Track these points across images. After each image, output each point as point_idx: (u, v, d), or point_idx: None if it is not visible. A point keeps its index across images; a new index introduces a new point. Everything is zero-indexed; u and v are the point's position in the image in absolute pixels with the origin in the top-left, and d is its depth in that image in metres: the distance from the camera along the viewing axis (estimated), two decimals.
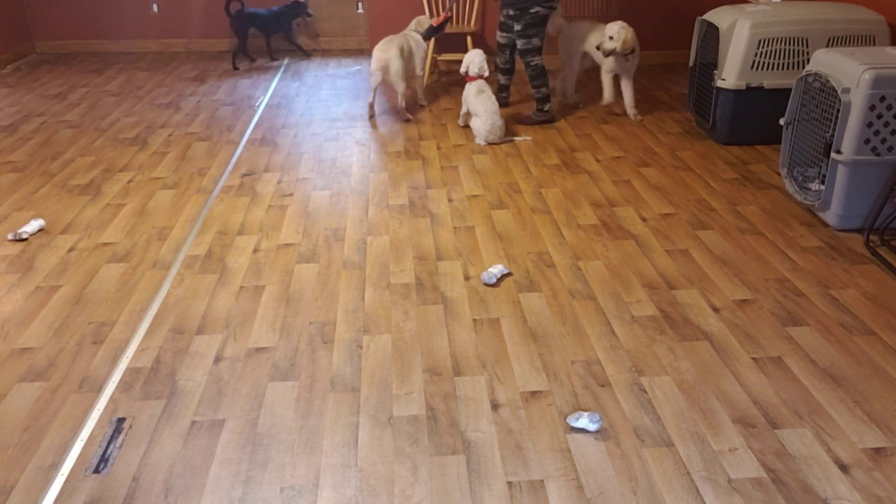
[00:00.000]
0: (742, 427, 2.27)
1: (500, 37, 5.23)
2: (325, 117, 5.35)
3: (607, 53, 4.89)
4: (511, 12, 4.88)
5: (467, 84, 4.83)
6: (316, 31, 7.54)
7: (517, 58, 5.81)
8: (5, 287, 3.10)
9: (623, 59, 4.98)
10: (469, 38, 5.98)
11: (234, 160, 4.51)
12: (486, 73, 4.80)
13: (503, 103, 5.46)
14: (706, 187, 4.04)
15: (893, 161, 3.34)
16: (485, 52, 6.09)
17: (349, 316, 2.88)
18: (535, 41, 4.89)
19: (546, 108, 5.07)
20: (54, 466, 2.14)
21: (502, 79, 5.44)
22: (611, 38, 4.84)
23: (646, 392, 2.43)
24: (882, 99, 3.24)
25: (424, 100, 5.63)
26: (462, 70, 4.86)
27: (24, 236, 3.50)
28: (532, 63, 4.94)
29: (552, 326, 2.80)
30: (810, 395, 2.40)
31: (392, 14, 6.52)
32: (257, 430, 2.28)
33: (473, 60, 4.81)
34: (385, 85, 5.31)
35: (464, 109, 4.92)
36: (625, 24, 4.82)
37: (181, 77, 6.52)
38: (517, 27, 4.87)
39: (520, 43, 4.92)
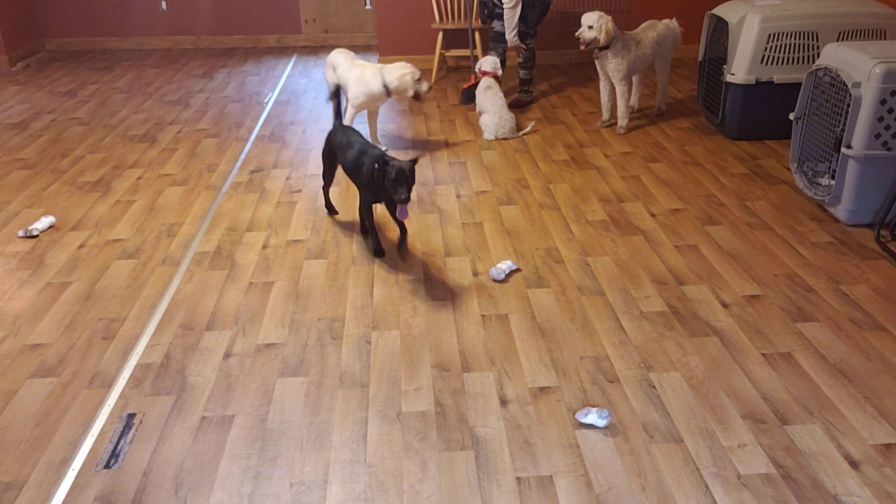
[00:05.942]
0: (751, 423, 2.26)
1: (499, 24, 5.23)
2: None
3: (586, 45, 4.50)
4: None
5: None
6: (324, 27, 7.54)
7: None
8: (16, 283, 3.12)
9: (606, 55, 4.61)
10: (476, 34, 5.97)
11: (242, 157, 4.52)
12: (500, 73, 4.93)
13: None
14: (715, 182, 4.02)
15: None
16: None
17: (358, 312, 2.88)
18: (537, 27, 5.22)
19: (530, 89, 5.51)
20: (65, 462, 2.16)
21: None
22: (590, 27, 4.48)
23: (655, 388, 2.42)
24: (893, 93, 3.21)
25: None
26: (476, 68, 5.01)
27: (35, 233, 3.52)
28: (530, 45, 5.28)
29: (561, 322, 2.79)
30: (820, 391, 2.39)
31: (400, 10, 6.51)
32: (267, 425, 2.29)
33: (487, 59, 4.98)
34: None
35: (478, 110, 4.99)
36: (604, 14, 4.47)
37: (190, 74, 6.54)
38: (533, 15, 5.08)
39: (532, 30, 5.20)
